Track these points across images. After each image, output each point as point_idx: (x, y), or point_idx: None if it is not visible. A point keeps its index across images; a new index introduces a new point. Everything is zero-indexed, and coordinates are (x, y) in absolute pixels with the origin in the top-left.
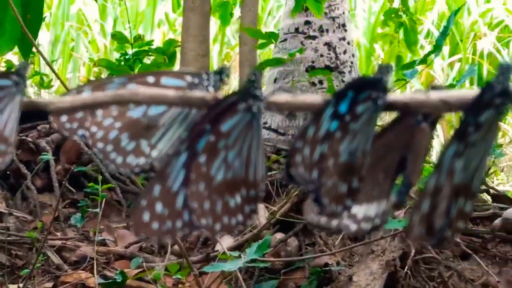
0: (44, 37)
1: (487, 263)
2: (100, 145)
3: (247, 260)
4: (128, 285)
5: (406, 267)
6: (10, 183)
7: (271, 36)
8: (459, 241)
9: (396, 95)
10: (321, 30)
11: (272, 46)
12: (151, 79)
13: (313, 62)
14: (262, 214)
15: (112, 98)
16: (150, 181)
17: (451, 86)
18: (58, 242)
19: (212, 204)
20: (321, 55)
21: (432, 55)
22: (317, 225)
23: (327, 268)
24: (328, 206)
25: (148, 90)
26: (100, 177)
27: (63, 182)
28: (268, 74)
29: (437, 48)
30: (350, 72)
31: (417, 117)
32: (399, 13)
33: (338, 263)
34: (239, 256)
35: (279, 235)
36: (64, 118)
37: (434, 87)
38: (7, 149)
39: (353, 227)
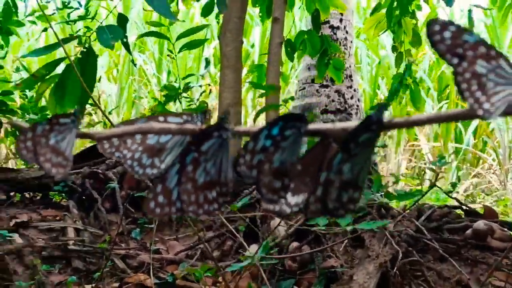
0: (112, 89)
1: (460, 264)
2: (129, 162)
3: (258, 256)
4: (177, 285)
5: (395, 268)
6: (85, 205)
7: (271, 88)
8: (438, 247)
9: (313, 124)
10: (332, 80)
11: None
12: (161, 118)
13: (326, 106)
14: (282, 226)
15: (135, 130)
16: (154, 182)
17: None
18: (122, 251)
19: (196, 197)
20: (333, 100)
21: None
22: (269, 211)
23: (333, 270)
24: (266, 195)
25: (159, 124)
26: None
27: (125, 204)
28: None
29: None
30: (356, 113)
31: (329, 139)
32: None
33: (341, 266)
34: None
35: (295, 243)
36: (106, 145)
37: (341, 120)
38: (66, 163)
39: (288, 210)
